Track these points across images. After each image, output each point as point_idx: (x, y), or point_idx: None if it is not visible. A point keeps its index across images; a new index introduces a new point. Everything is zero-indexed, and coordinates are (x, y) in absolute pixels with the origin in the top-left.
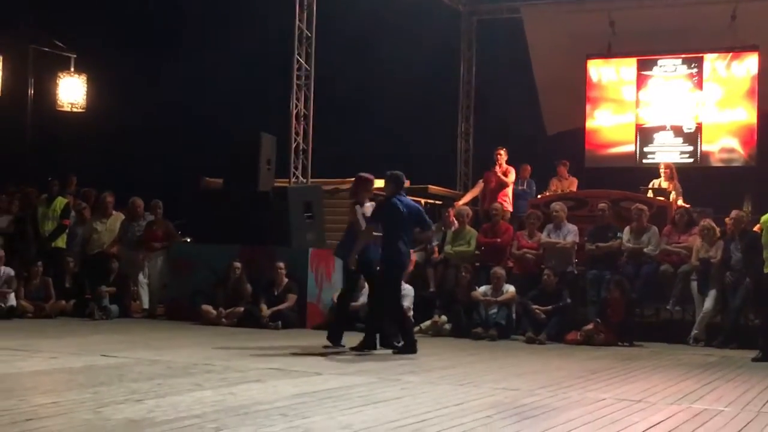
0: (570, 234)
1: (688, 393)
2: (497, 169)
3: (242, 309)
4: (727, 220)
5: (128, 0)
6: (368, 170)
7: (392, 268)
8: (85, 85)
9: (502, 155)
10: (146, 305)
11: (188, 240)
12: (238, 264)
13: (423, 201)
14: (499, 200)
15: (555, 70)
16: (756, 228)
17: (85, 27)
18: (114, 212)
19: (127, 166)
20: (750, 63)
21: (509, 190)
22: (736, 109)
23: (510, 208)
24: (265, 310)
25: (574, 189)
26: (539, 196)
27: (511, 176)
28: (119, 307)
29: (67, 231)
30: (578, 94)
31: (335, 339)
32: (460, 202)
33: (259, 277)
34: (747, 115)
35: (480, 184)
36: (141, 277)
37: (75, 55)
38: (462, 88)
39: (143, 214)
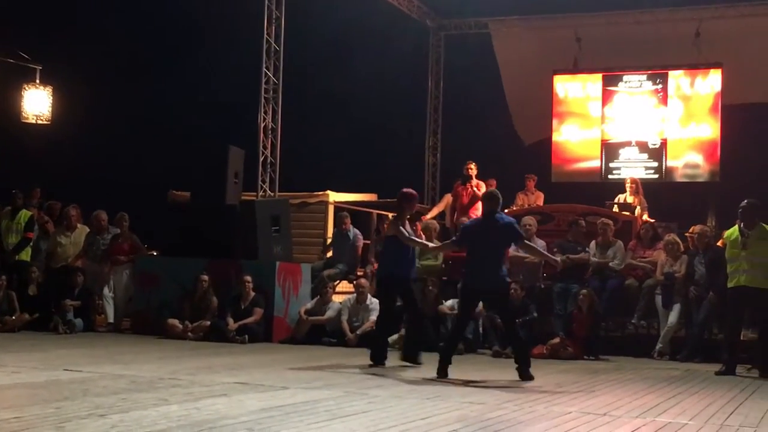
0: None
1: (653, 406)
2: (473, 182)
3: (208, 323)
4: (688, 234)
5: (95, 12)
6: (336, 184)
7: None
8: (51, 97)
9: (473, 169)
10: (111, 319)
11: (155, 253)
12: (205, 277)
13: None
14: (470, 214)
15: (524, 84)
16: (719, 243)
17: (51, 38)
18: (79, 225)
19: (94, 179)
20: (714, 80)
21: (480, 204)
22: (700, 125)
23: None
24: (232, 324)
25: (540, 203)
26: (506, 211)
27: (482, 190)
28: (84, 321)
29: (31, 244)
30: (546, 108)
31: (379, 359)
32: (428, 216)
33: (225, 290)
34: (711, 131)
35: (447, 198)
36: (106, 290)
37: (40, 67)
38: (430, 103)
39: (108, 227)
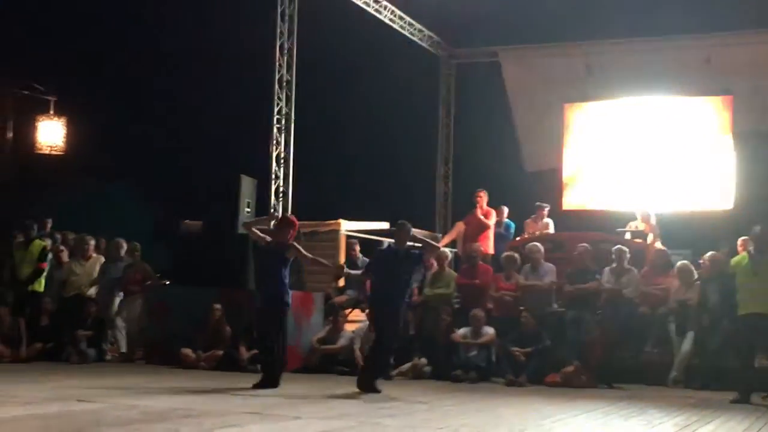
0: (548, 274)
1: None
2: (478, 211)
3: (221, 352)
4: (701, 261)
5: (107, 43)
6: (348, 212)
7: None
8: (65, 128)
9: (483, 197)
10: (124, 349)
11: (167, 283)
12: (218, 306)
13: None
14: (480, 242)
15: (533, 112)
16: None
17: (65, 70)
18: (93, 255)
19: (106, 209)
20: (725, 107)
21: (490, 233)
22: (712, 153)
23: (491, 251)
24: (245, 353)
25: (549, 231)
26: (518, 239)
27: (492, 218)
28: (96, 351)
29: (44, 274)
30: (556, 136)
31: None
32: (441, 244)
33: (238, 319)
34: (723, 158)
35: (459, 226)
36: (118, 320)
37: (55, 98)
38: (441, 131)
39: (123, 257)
